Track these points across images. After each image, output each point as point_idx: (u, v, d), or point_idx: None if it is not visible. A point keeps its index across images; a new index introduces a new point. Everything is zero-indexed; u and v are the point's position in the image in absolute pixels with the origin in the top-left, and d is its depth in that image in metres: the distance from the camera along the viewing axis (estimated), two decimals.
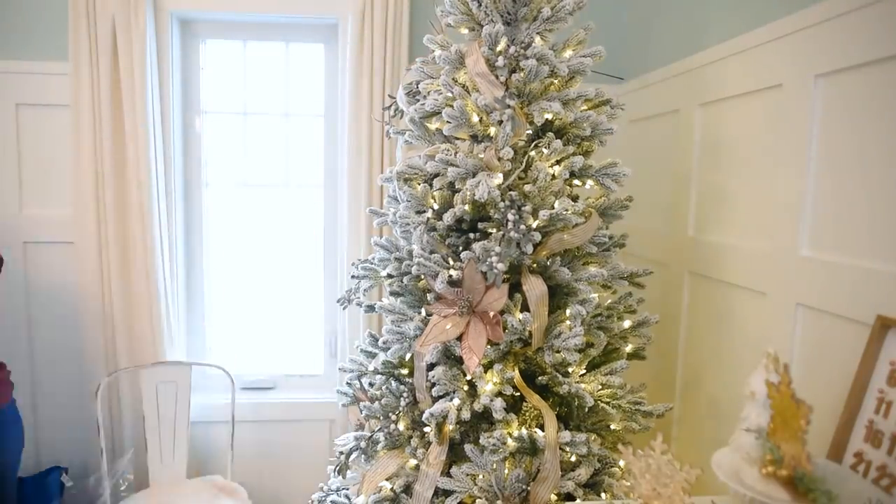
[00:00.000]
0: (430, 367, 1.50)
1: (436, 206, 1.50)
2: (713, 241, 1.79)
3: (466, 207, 1.41)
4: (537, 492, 1.39)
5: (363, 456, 1.62)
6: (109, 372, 2.29)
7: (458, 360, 1.47)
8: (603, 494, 1.47)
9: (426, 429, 1.50)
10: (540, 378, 1.46)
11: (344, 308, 1.82)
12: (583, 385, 1.46)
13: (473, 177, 1.39)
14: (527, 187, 1.40)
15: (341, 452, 1.65)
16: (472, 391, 1.45)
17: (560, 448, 1.40)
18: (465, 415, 1.39)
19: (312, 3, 2.38)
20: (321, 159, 2.57)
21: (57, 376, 2.43)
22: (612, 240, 1.59)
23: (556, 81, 1.49)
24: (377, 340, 1.67)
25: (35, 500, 2.35)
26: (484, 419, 1.43)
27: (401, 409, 1.57)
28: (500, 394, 1.42)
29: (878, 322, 1.13)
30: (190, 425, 2.28)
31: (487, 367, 1.46)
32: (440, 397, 1.46)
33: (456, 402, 1.43)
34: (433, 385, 1.47)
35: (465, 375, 1.46)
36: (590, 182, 1.54)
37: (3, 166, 2.33)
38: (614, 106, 1.59)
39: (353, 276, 1.74)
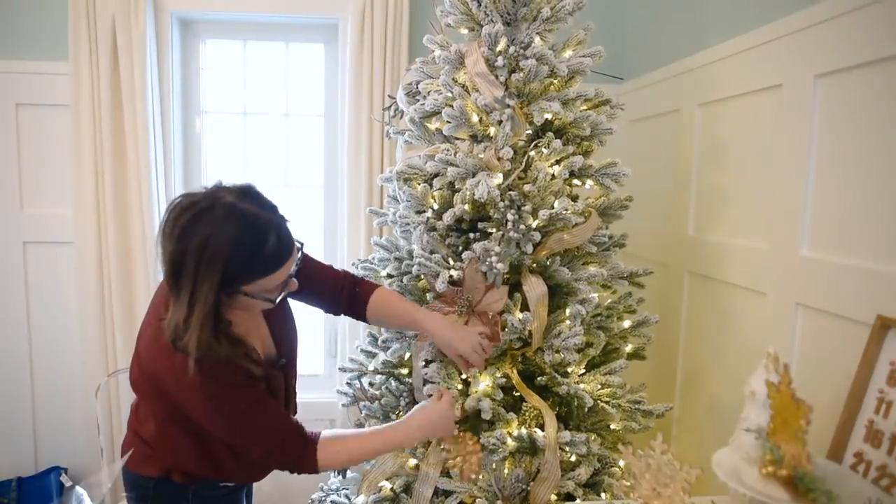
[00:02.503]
0: (428, 363, 1.50)
1: (436, 206, 1.50)
2: (713, 241, 1.79)
3: (466, 207, 1.41)
4: (537, 492, 1.39)
5: None
6: (109, 372, 2.29)
7: None
8: (603, 494, 1.46)
9: None
10: (539, 378, 1.45)
11: None
12: (582, 385, 1.46)
13: (473, 177, 1.39)
14: (526, 187, 1.40)
15: None
16: (467, 389, 1.46)
17: (560, 448, 1.40)
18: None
19: (312, 3, 2.38)
20: (321, 159, 2.57)
21: (57, 376, 2.43)
22: (612, 240, 1.59)
23: (555, 81, 1.49)
24: (377, 340, 1.67)
25: (35, 500, 2.36)
26: (484, 419, 1.43)
27: (401, 408, 1.57)
28: (489, 395, 1.41)
29: (878, 322, 1.13)
30: None
31: (485, 367, 1.46)
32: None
33: None
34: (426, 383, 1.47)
35: (460, 374, 1.47)
36: (589, 182, 1.54)
37: (3, 166, 2.33)
38: (614, 106, 1.59)
39: None
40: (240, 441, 1.20)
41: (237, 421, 1.16)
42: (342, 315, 1.48)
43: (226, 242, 1.05)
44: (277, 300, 1.18)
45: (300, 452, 1.23)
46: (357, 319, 1.48)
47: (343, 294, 1.43)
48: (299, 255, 1.20)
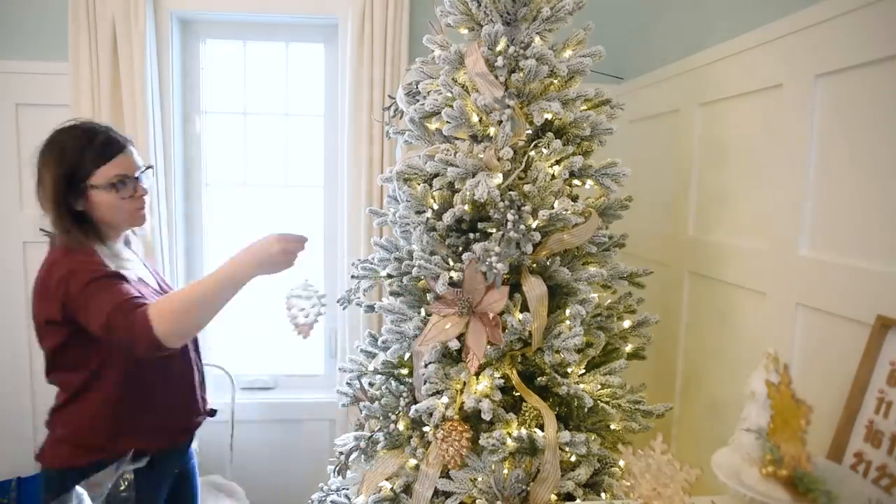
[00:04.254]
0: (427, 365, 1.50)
1: (435, 206, 1.50)
2: (713, 241, 1.79)
3: (466, 207, 1.41)
4: (537, 492, 1.39)
5: (363, 456, 1.62)
6: None
7: (455, 359, 1.47)
8: (603, 494, 1.46)
9: (426, 428, 1.50)
10: (539, 379, 1.45)
11: (344, 308, 1.82)
12: (582, 385, 1.46)
13: (473, 177, 1.39)
14: (526, 187, 1.40)
15: (341, 452, 1.65)
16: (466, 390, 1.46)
17: (560, 448, 1.40)
18: (450, 412, 1.39)
19: (312, 2, 2.38)
20: (321, 159, 2.57)
21: None
22: (612, 240, 1.59)
23: (555, 81, 1.49)
24: (377, 340, 1.67)
25: (35, 500, 2.36)
26: (483, 419, 1.43)
27: (401, 408, 1.57)
28: (487, 396, 1.41)
29: (878, 322, 1.13)
30: None
31: (483, 367, 1.46)
32: (432, 395, 1.47)
33: (444, 399, 1.43)
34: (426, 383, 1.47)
35: (459, 374, 1.47)
36: (589, 182, 1.54)
37: (3, 166, 2.33)
38: (614, 106, 1.59)
39: (353, 276, 1.74)
40: (84, 314, 1.35)
41: (83, 291, 1.34)
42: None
43: (64, 137, 1.39)
44: (127, 195, 1.43)
45: (131, 317, 1.32)
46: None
47: None
48: (145, 169, 1.49)
